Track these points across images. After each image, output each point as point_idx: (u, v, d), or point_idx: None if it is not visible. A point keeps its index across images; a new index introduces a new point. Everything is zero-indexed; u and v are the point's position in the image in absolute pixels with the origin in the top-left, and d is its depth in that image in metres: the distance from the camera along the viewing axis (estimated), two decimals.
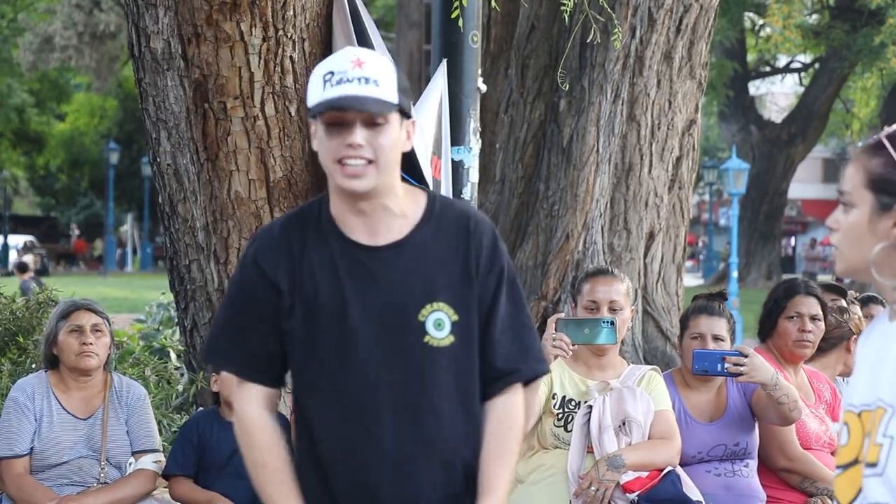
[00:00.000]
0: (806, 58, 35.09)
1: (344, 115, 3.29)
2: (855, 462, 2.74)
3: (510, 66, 10.67)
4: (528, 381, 3.50)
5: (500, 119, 10.68)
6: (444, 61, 7.68)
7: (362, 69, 3.31)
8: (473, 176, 8.14)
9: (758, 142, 32.59)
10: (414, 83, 15.86)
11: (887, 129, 2.77)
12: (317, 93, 3.33)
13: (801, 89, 36.03)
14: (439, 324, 3.35)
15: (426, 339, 3.34)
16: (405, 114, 3.39)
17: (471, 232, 3.42)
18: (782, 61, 36.97)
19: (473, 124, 8.08)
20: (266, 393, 3.41)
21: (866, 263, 2.74)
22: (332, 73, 3.31)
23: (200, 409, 5.84)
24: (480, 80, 8.24)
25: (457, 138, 7.89)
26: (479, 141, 8.28)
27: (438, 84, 7.55)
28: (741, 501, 5.71)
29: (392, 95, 3.32)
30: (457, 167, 7.91)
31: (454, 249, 3.41)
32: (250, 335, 3.38)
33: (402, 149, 3.39)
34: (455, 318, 3.36)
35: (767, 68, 36.33)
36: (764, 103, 45.11)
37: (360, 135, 3.29)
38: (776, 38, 25.58)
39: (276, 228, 3.44)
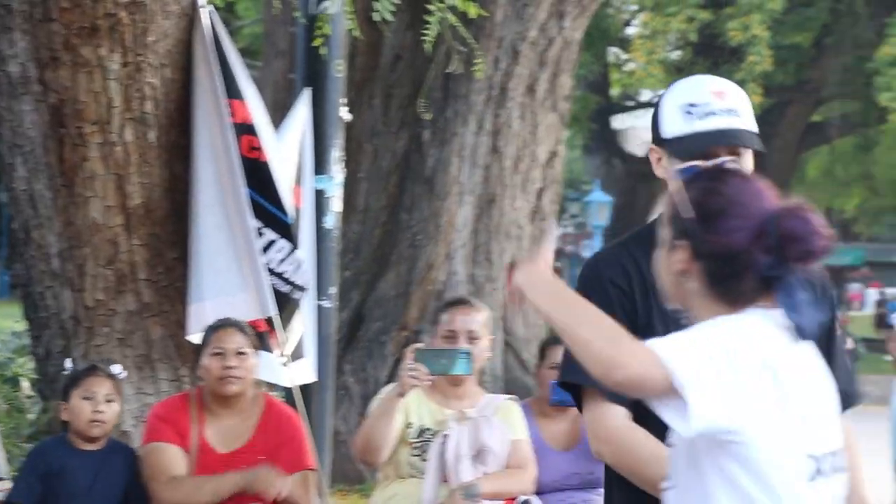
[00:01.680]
0: None
1: (712, 149, 3.30)
2: None
3: (374, 96, 10.70)
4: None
5: (364, 148, 10.69)
6: (307, 90, 7.67)
7: (725, 101, 3.33)
8: (336, 205, 8.13)
9: (621, 175, 32.99)
10: (279, 112, 15.74)
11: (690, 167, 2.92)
12: (678, 125, 3.34)
13: None
14: None
15: None
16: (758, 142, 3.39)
17: None
18: (646, 96, 37.52)
19: (337, 153, 8.08)
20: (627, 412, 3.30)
21: (675, 297, 2.91)
22: (692, 104, 3.33)
23: (49, 437, 5.74)
24: (345, 109, 8.25)
25: (320, 167, 7.88)
26: (343, 170, 8.28)
27: (301, 112, 7.54)
28: None
29: (754, 126, 3.36)
30: (319, 196, 7.89)
31: None
32: None
33: None
34: None
35: (631, 103, 36.83)
36: (627, 137, 45.71)
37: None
38: (640, 73, 25.95)
39: (616, 250, 3.43)
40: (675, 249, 2.86)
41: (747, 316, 2.81)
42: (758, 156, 3.41)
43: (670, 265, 2.87)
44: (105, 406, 5.58)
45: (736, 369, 2.71)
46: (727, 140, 3.34)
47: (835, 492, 2.84)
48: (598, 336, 2.67)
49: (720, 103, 3.35)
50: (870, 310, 42.04)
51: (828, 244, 2.81)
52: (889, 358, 6.33)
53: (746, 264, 2.80)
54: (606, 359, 2.64)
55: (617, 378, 2.63)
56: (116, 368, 5.80)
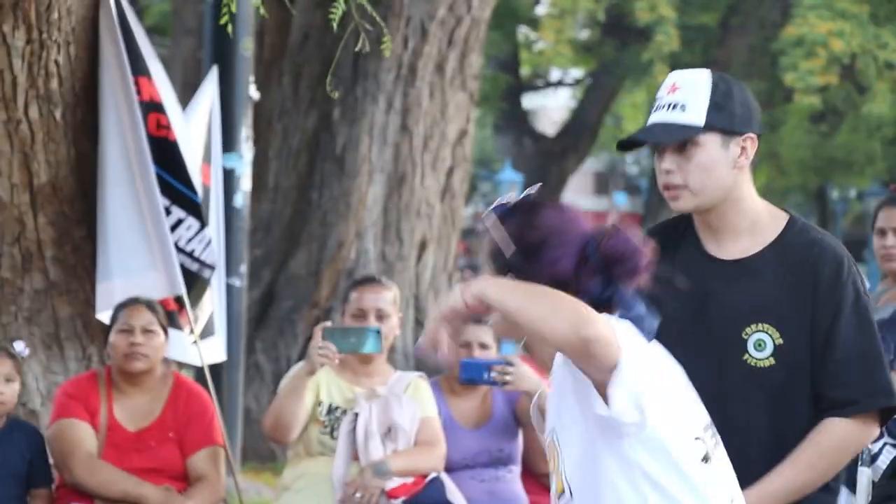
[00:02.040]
0: (578, 73, 35.76)
1: (658, 145, 3.40)
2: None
3: (284, 75, 10.66)
4: (871, 413, 3.43)
5: (274, 127, 10.65)
6: (214, 68, 7.64)
7: (674, 95, 3.39)
8: (245, 184, 8.12)
9: (532, 154, 33.11)
10: (189, 92, 15.66)
11: (489, 210, 2.94)
12: None
13: (574, 103, 36.72)
14: (760, 344, 3.36)
15: (745, 357, 3.35)
16: (731, 131, 3.39)
17: (812, 261, 3.41)
18: (556, 75, 37.63)
19: (246, 132, 8.06)
20: None
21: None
22: (657, 98, 3.41)
23: None
24: (253, 87, 8.23)
25: (229, 146, 7.85)
26: (252, 149, 8.26)
27: (208, 91, 7.50)
28: None
29: (697, 118, 3.36)
30: (229, 175, 7.87)
31: (793, 274, 3.40)
32: None
33: (733, 167, 3.41)
34: (780, 341, 3.36)
35: (541, 82, 36.93)
36: (538, 116, 45.82)
37: (668, 161, 3.38)
38: (549, 52, 26.04)
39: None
40: None
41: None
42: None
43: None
44: (4, 386, 5.53)
45: (646, 356, 2.78)
46: (643, 137, 3.46)
47: (726, 463, 2.90)
48: (561, 304, 2.72)
49: (667, 98, 3.42)
50: None
51: (650, 259, 2.85)
52: None
53: (576, 290, 2.82)
54: (575, 316, 2.69)
55: (588, 333, 2.68)
56: (19, 346, 5.76)
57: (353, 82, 10.28)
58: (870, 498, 5.31)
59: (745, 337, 3.37)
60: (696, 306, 3.39)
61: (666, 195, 3.45)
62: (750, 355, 3.37)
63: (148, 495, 5.43)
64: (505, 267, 2.88)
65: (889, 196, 5.88)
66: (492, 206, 2.93)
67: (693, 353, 3.17)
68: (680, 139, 3.37)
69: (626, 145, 3.54)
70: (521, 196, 2.95)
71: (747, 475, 3.21)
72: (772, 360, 3.36)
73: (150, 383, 5.60)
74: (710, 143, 3.38)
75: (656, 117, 3.42)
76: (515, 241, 2.86)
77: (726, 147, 3.40)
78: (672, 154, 3.39)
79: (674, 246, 3.46)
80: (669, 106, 3.40)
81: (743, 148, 3.43)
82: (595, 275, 2.82)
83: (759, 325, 3.37)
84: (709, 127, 3.37)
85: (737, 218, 3.44)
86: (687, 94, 3.39)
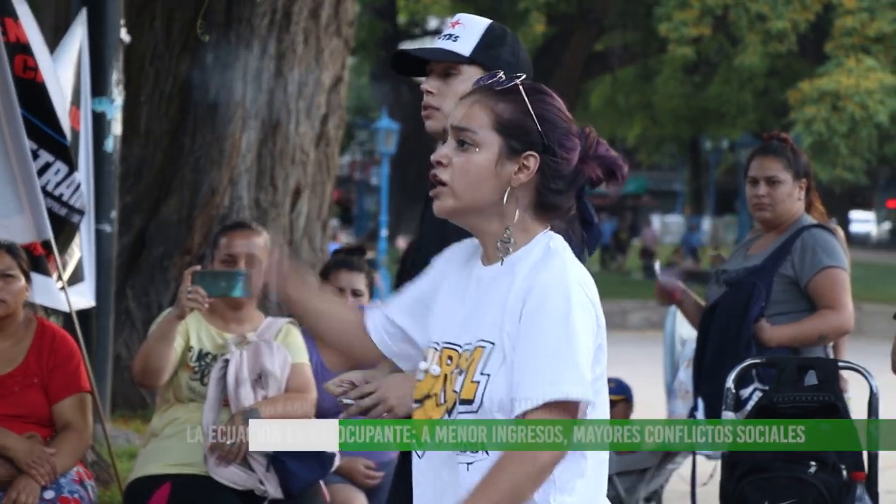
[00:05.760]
0: None
1: (429, 66, 3.67)
2: (427, 397, 2.84)
3: (156, 18, 10.50)
4: None
5: (146, 71, 10.51)
6: (84, 10, 7.51)
7: (453, 29, 3.64)
8: (116, 128, 8.00)
9: (408, 102, 33.07)
10: (59, 34, 15.41)
11: (522, 77, 2.86)
12: None
13: None
14: None
15: None
16: (493, 69, 3.59)
17: None
18: (433, 23, 37.57)
19: (117, 76, 7.93)
20: None
21: (483, 205, 2.78)
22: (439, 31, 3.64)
23: None
24: (124, 30, 8.10)
25: (99, 89, 7.73)
26: (123, 93, 8.14)
27: (77, 33, 7.38)
28: (375, 454, 5.82)
29: (465, 49, 3.61)
30: (99, 119, 7.75)
31: None
32: None
33: None
34: None
35: (418, 30, 36.84)
36: None
37: (430, 83, 3.64)
38: (426, 0, 26.00)
39: None
40: (516, 159, 2.75)
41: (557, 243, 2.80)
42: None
43: (503, 174, 2.75)
44: None
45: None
46: (412, 51, 3.73)
47: None
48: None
49: (447, 31, 3.68)
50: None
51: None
52: None
53: (576, 183, 2.75)
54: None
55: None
56: None
57: (226, 27, 10.17)
58: None
59: None
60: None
61: (423, 114, 3.68)
62: None
63: (10, 445, 5.33)
64: (529, 145, 2.75)
65: (761, 145, 5.94)
66: (492, 77, 2.84)
67: None
68: (443, 59, 3.61)
69: (399, 65, 3.77)
70: (520, 77, 2.84)
71: None
72: None
73: (11, 328, 5.50)
74: (472, 76, 3.55)
75: (434, 44, 3.67)
76: (541, 120, 2.74)
77: None
78: (436, 78, 3.63)
79: None
80: (446, 36, 3.65)
81: None
82: (591, 173, 2.76)
83: None
84: (473, 60, 3.61)
85: None
86: (464, 29, 3.64)
